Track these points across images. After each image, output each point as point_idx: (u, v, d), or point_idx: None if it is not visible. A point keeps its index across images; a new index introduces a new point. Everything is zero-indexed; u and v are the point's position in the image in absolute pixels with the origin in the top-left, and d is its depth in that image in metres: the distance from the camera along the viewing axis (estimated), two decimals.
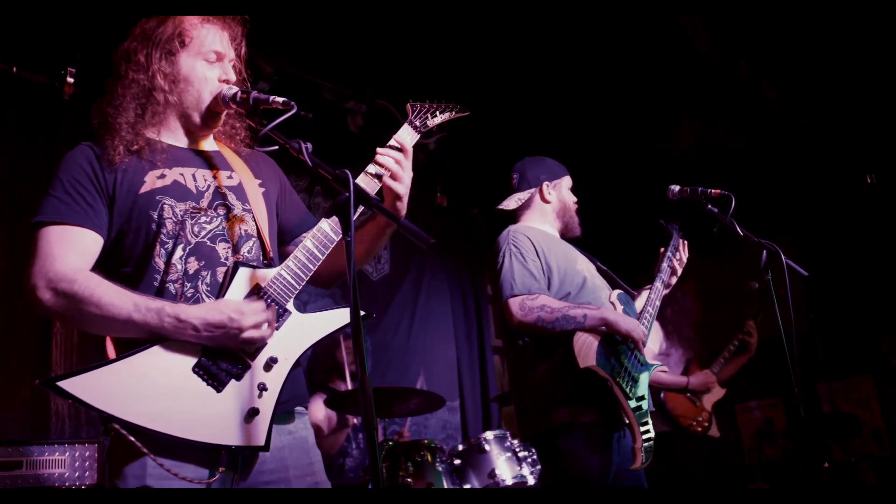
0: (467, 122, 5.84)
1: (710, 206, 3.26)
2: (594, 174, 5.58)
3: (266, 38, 4.72)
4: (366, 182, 2.16)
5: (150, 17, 2.21)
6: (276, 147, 2.07)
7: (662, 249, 3.51)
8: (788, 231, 5.89)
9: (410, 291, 6.58)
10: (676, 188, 3.34)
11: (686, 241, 3.55)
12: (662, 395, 4.82)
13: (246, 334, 1.91)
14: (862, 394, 6.31)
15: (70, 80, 4.35)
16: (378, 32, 4.93)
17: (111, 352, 2.01)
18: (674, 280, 3.51)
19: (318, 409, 4.89)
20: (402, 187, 2.19)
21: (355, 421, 5.06)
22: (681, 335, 5.10)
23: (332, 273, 2.30)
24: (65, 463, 3.40)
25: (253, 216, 2.15)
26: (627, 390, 2.97)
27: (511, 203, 3.56)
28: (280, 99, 2.07)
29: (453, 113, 2.45)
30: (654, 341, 4.97)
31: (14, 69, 4.30)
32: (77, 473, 3.39)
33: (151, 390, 1.86)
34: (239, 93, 2.13)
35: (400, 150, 2.20)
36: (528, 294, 3.08)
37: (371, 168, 2.19)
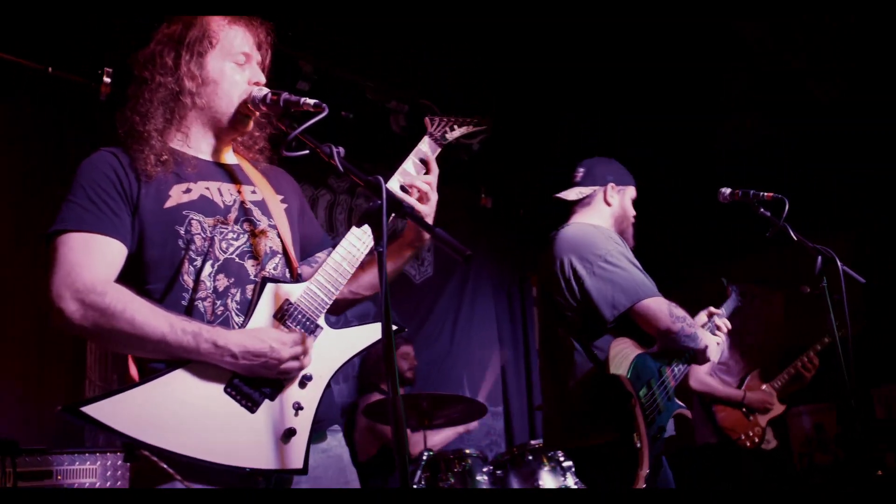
0: (511, 124, 5.74)
1: (762, 209, 3.11)
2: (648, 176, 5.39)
3: (305, 37, 4.61)
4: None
5: (183, 16, 2.12)
6: (307, 151, 1.94)
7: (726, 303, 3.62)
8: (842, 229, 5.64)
9: (454, 295, 6.44)
10: (727, 191, 3.19)
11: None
12: (714, 406, 4.63)
13: (285, 365, 1.84)
14: None
15: (107, 79, 4.30)
16: (418, 30, 4.78)
17: (133, 371, 1.92)
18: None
19: None
20: (430, 209, 2.12)
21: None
22: (741, 343, 4.86)
23: (349, 297, 2.19)
24: (95, 472, 3.34)
25: (278, 232, 2.08)
26: (648, 416, 2.80)
27: (571, 195, 3.41)
28: (312, 101, 1.96)
29: (471, 126, 2.39)
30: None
31: (49, 69, 4.26)
32: (108, 483, 3.33)
33: (182, 414, 1.76)
34: (269, 94, 2.04)
35: (425, 163, 2.17)
36: (662, 298, 2.94)
37: (399, 178, 2.13)
